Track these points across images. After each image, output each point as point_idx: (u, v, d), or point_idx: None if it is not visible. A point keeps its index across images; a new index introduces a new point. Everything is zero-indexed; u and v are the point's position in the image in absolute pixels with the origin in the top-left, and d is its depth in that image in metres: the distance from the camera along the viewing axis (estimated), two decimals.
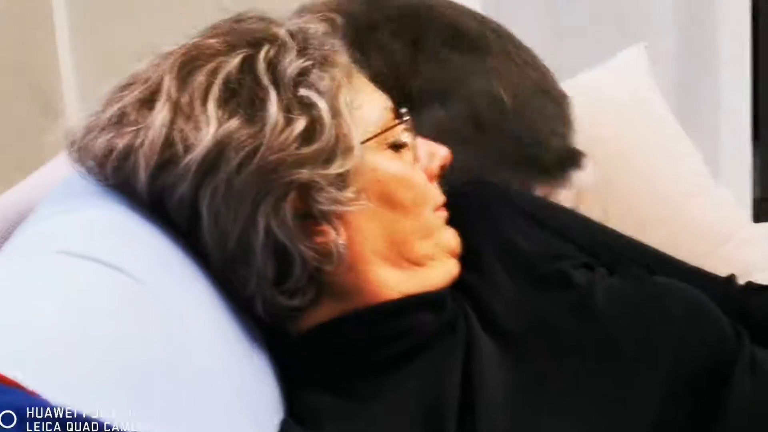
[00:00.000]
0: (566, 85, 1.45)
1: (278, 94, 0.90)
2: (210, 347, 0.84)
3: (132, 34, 2.22)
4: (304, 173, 0.89)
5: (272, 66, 0.92)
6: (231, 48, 0.94)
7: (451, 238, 1.03)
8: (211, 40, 0.95)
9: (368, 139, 0.96)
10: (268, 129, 0.89)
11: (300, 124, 0.90)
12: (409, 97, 1.12)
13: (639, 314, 0.98)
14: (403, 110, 1.01)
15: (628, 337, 0.97)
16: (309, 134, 0.90)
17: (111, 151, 0.91)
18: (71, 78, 2.47)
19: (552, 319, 0.99)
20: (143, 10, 2.30)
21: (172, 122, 0.90)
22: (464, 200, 1.06)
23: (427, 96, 1.20)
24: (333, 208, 0.91)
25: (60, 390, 0.63)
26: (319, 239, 0.92)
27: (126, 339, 0.72)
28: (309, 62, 0.93)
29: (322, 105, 0.91)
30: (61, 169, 1.13)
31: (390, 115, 1.00)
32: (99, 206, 0.89)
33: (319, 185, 0.90)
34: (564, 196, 1.32)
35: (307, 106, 0.91)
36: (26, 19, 2.32)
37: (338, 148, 0.91)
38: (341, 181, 0.92)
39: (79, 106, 2.45)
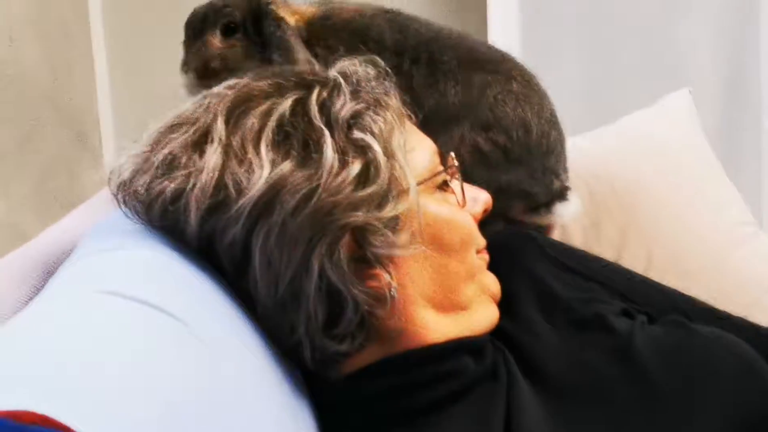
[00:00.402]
0: (611, 129, 1.44)
1: (333, 136, 0.91)
2: (253, 392, 0.83)
3: (169, 71, 2.23)
4: (360, 216, 0.89)
5: (325, 108, 0.93)
6: (282, 90, 0.95)
7: (492, 282, 1.04)
8: (261, 83, 0.96)
9: (420, 182, 0.96)
10: (324, 171, 0.89)
11: (355, 166, 0.90)
12: (425, 116, 1.11)
13: (683, 364, 0.98)
14: (452, 155, 1.02)
15: (672, 387, 0.96)
16: (364, 177, 0.90)
17: (160, 194, 0.91)
18: (108, 112, 2.50)
19: (592, 365, 0.99)
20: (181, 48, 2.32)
21: (224, 165, 0.90)
22: (497, 249, 1.06)
23: (451, 113, 1.20)
24: (388, 251, 0.91)
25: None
26: (372, 283, 0.92)
27: (172, 382, 0.71)
28: (362, 105, 0.94)
29: (377, 147, 0.92)
30: (102, 206, 1.13)
31: (437, 158, 1.00)
32: (145, 246, 0.89)
33: (374, 228, 0.90)
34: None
35: (362, 149, 0.91)
36: (65, 53, 2.35)
37: (392, 190, 0.92)
38: (394, 224, 0.92)
39: (115, 139, 2.48)
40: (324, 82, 0.96)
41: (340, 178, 0.89)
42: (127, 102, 2.48)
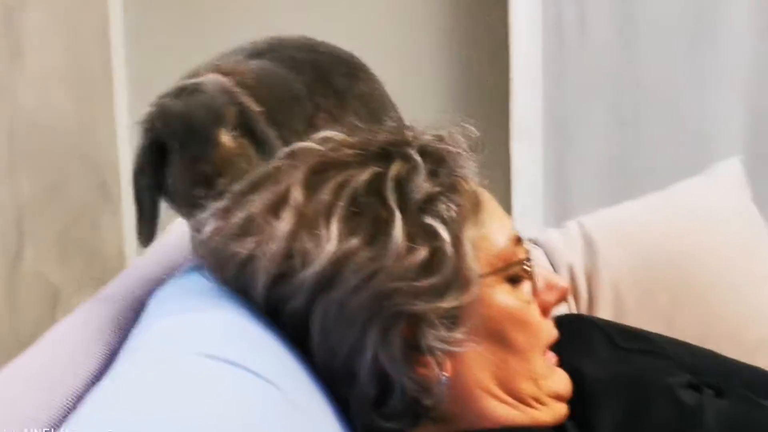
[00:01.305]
0: (663, 195, 1.44)
1: (403, 218, 0.89)
2: None
3: None
4: (418, 305, 0.88)
5: (400, 187, 0.91)
6: (363, 160, 0.94)
7: (560, 383, 0.99)
8: (345, 149, 0.95)
9: (488, 274, 0.93)
10: (389, 254, 0.87)
11: (421, 254, 0.88)
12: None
13: None
14: (528, 241, 1.00)
15: None
16: (428, 266, 0.88)
17: (233, 257, 0.91)
18: (130, 162, 2.48)
19: None
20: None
21: (295, 235, 0.89)
22: (559, 332, 1.03)
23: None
24: (441, 346, 0.89)
25: None
26: (422, 370, 0.90)
27: None
28: (437, 188, 0.92)
29: (445, 236, 0.89)
30: (157, 262, 1.12)
31: (513, 246, 0.97)
32: (223, 307, 0.89)
33: (430, 320, 0.88)
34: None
35: (431, 236, 0.89)
36: (91, 105, 2.34)
37: (455, 282, 0.89)
38: (453, 315, 0.90)
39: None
40: (406, 157, 0.93)
41: (404, 264, 0.87)
42: None
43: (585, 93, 2.21)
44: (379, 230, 0.88)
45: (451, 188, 0.93)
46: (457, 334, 0.89)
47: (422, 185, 0.91)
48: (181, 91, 1.02)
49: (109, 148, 2.45)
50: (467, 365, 0.92)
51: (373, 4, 2.37)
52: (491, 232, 0.95)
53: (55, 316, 2.15)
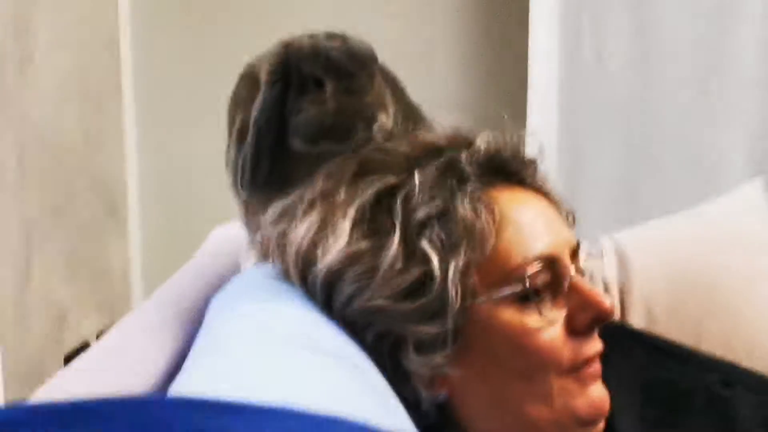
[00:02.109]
0: (687, 215, 1.45)
1: (401, 238, 0.90)
2: None
3: (197, 140, 2.23)
4: (400, 327, 0.90)
5: (407, 203, 0.92)
6: (394, 167, 0.94)
7: (584, 405, 0.93)
8: (396, 149, 0.97)
9: (486, 298, 0.91)
10: (382, 271, 0.89)
11: (411, 275, 0.90)
12: None
13: None
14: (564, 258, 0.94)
15: None
16: (416, 289, 0.90)
17: (282, 244, 0.95)
18: (136, 183, 2.49)
19: None
20: (210, 118, 2.32)
21: (320, 229, 0.92)
22: None
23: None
24: (420, 369, 0.91)
25: None
26: (413, 385, 0.92)
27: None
28: (436, 210, 0.91)
29: (436, 262, 0.89)
30: (210, 262, 1.13)
31: (534, 266, 0.91)
32: (294, 301, 0.92)
33: (409, 342, 0.90)
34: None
35: (423, 259, 0.90)
36: (96, 120, 2.36)
37: (440, 309, 0.89)
38: (436, 340, 0.90)
39: (141, 210, 2.47)
40: (424, 171, 0.93)
41: (393, 283, 0.89)
42: (155, 171, 2.48)
43: (599, 122, 2.25)
44: (381, 242, 0.90)
45: (452, 210, 0.91)
46: (438, 359, 0.90)
47: (422, 204, 0.90)
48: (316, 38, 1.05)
49: (117, 167, 2.45)
50: (464, 385, 0.92)
51: (390, 22, 2.39)
52: (501, 253, 0.91)
53: (62, 335, 2.14)
